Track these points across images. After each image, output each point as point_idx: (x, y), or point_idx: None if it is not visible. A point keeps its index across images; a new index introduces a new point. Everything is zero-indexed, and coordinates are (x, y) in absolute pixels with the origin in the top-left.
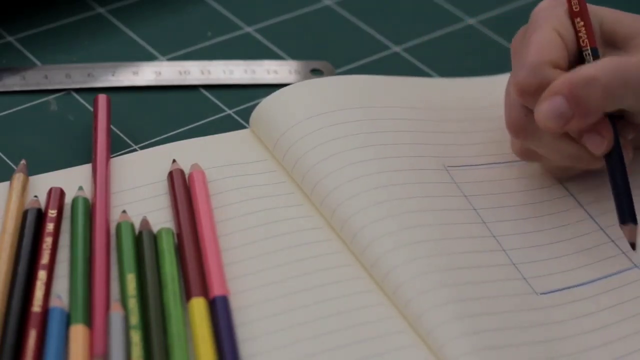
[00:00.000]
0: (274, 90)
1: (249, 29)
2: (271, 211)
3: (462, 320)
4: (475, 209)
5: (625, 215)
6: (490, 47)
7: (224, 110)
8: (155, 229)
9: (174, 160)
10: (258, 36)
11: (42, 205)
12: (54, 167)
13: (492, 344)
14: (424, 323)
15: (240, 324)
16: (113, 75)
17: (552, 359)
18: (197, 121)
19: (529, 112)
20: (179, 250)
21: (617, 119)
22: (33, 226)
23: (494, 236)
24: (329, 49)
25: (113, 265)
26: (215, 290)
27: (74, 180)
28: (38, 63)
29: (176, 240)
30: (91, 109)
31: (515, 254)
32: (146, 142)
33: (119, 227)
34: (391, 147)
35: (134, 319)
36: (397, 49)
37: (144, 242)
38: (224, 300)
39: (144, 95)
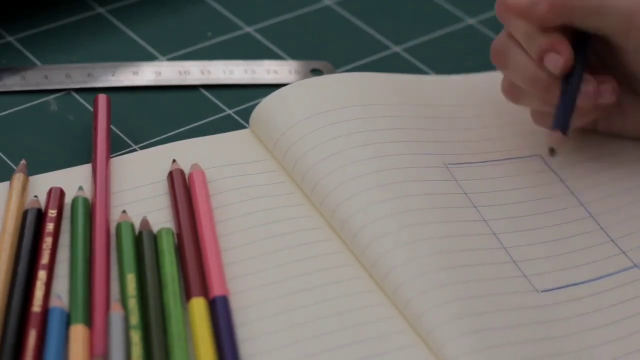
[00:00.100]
0: (274, 90)
1: (249, 29)
2: (271, 211)
3: (462, 320)
4: (475, 207)
5: (559, 122)
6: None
7: (224, 110)
8: (155, 229)
9: (174, 160)
10: (258, 36)
11: (42, 205)
12: (54, 167)
13: (492, 342)
14: (424, 323)
15: (240, 324)
16: (113, 75)
17: (553, 356)
18: (197, 121)
19: (510, 36)
20: (179, 250)
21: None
22: (33, 226)
23: (494, 234)
24: (329, 49)
25: (113, 265)
26: (215, 290)
27: (74, 180)
28: (38, 63)
29: (176, 240)
30: (91, 109)
31: (515, 252)
32: (146, 142)
33: (119, 227)
34: (391, 145)
35: (134, 319)
36: (397, 49)
37: (144, 242)
38: (224, 300)
39: (144, 95)
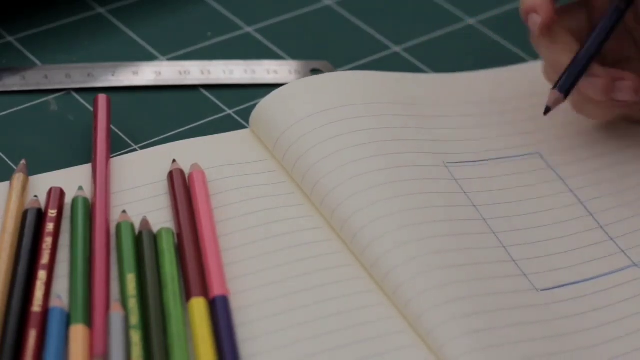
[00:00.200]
0: (274, 90)
1: (249, 29)
2: (271, 211)
3: (462, 319)
4: (474, 206)
5: (562, 85)
6: (490, 47)
7: (224, 110)
8: (155, 229)
9: (174, 160)
10: (258, 36)
11: (42, 205)
12: (54, 167)
13: (492, 342)
14: (424, 323)
15: (240, 324)
16: (113, 75)
17: (553, 355)
18: (197, 121)
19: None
20: (179, 250)
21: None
22: (33, 226)
23: (493, 232)
24: (329, 49)
25: (113, 265)
26: (215, 290)
27: (74, 180)
28: (38, 63)
29: (176, 240)
30: (91, 109)
31: (515, 250)
32: (146, 142)
33: (119, 227)
34: (389, 144)
35: (134, 319)
36: (397, 49)
37: (144, 242)
38: (224, 300)
39: (143, 95)
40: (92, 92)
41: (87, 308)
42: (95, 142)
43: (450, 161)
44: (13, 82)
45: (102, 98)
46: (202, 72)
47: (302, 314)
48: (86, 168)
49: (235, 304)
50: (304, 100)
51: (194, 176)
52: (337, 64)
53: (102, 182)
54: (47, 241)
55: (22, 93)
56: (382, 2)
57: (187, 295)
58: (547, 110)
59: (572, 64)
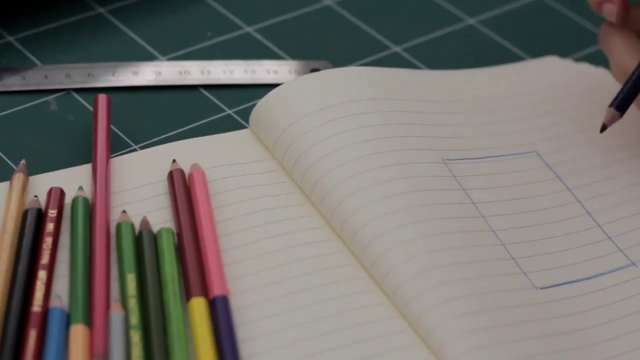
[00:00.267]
0: None
1: (249, 29)
2: (271, 211)
3: (462, 319)
4: (474, 203)
5: (619, 102)
6: (490, 47)
7: (224, 110)
8: (155, 229)
9: (174, 160)
10: (258, 36)
11: (42, 205)
12: (54, 167)
13: (492, 341)
14: (424, 323)
15: (240, 324)
16: (113, 75)
17: (552, 354)
18: (197, 121)
19: None
20: (179, 250)
21: None
22: (33, 226)
23: (492, 230)
24: (329, 49)
25: (113, 265)
26: (215, 290)
27: (74, 180)
28: (38, 63)
29: (176, 240)
30: (91, 109)
31: (514, 248)
32: (146, 142)
33: (119, 227)
34: (388, 141)
35: (134, 319)
36: (397, 49)
37: (144, 242)
38: (224, 300)
39: (143, 95)
40: (92, 92)
41: (87, 308)
42: (95, 142)
43: (449, 158)
44: (13, 82)
45: (102, 98)
46: (202, 72)
47: (302, 314)
48: (86, 168)
49: (235, 304)
50: (302, 99)
51: (194, 176)
52: (337, 64)
53: (102, 182)
54: (47, 241)
55: (22, 93)
56: (382, 2)
57: (187, 295)
58: (604, 127)
59: (628, 82)
